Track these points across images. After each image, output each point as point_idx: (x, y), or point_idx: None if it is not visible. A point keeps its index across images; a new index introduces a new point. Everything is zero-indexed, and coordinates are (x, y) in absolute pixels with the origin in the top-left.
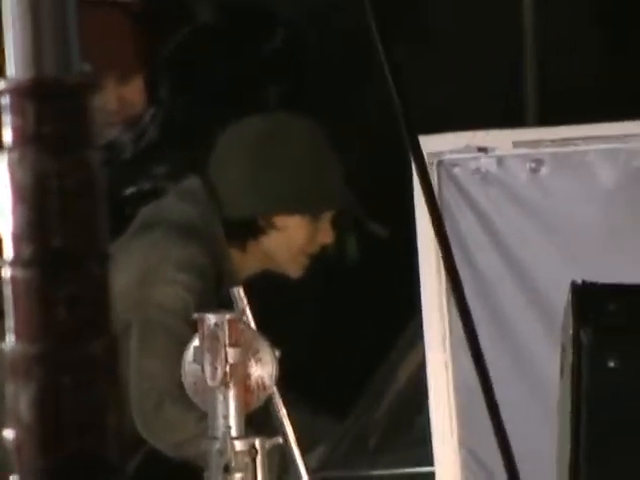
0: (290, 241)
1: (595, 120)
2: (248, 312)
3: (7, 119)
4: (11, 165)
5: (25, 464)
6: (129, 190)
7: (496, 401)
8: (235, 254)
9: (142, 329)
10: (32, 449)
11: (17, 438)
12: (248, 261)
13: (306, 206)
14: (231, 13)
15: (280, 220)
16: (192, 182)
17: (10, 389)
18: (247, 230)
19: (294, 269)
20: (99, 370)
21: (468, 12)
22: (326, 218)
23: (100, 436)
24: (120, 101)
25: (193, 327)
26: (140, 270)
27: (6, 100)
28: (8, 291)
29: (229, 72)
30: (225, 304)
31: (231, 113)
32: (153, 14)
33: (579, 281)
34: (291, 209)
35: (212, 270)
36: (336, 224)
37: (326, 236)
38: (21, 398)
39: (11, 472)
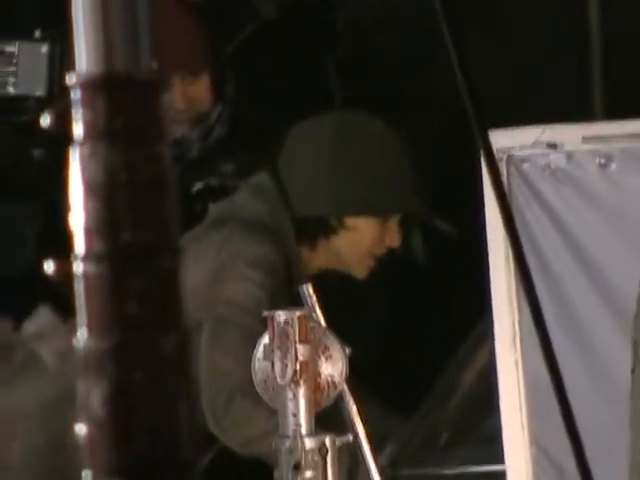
0: (359, 241)
1: None
2: (317, 309)
3: (77, 113)
4: (82, 159)
5: (97, 460)
6: (196, 187)
7: (568, 398)
8: (304, 252)
9: (214, 326)
10: (104, 445)
11: (89, 434)
12: (316, 259)
13: (377, 208)
14: (295, 10)
15: (351, 220)
16: (262, 178)
17: (82, 384)
18: (318, 229)
19: (360, 270)
20: (171, 365)
21: (534, 2)
22: (394, 220)
23: (172, 433)
24: (187, 99)
25: (264, 324)
26: (212, 267)
27: (77, 94)
28: (80, 286)
29: (295, 69)
30: (295, 302)
31: (297, 111)
32: (217, 11)
33: None
34: (362, 210)
35: (283, 267)
36: (403, 226)
37: (393, 239)
38: (93, 394)
39: (82, 468)
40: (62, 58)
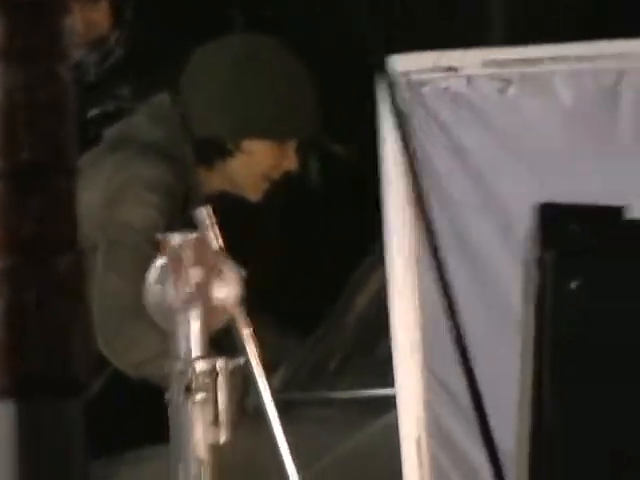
0: (255, 165)
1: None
2: (214, 232)
3: None
4: None
5: None
6: (93, 112)
7: (460, 323)
8: (201, 173)
9: (108, 247)
10: None
11: None
12: (212, 181)
13: (274, 132)
14: None
15: (247, 144)
16: (162, 99)
17: None
18: (214, 150)
19: (254, 193)
20: (65, 285)
21: None
22: (292, 145)
23: (65, 352)
24: (85, 23)
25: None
26: (108, 189)
27: None
28: None
29: None
30: (192, 226)
31: (195, 35)
32: None
33: (544, 202)
34: (259, 134)
35: (180, 190)
36: (300, 151)
37: (290, 163)
38: None
39: None
40: None
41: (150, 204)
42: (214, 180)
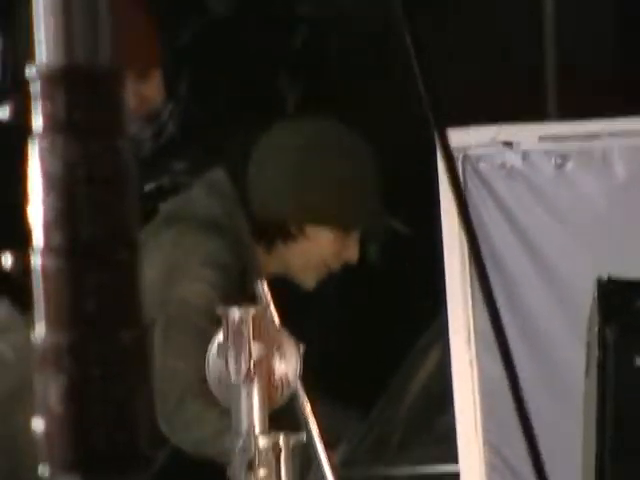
0: (316, 251)
1: (620, 114)
2: (272, 307)
3: (37, 106)
4: (41, 152)
5: (54, 455)
6: (148, 186)
7: (524, 399)
8: (259, 257)
9: (166, 325)
10: (61, 440)
11: (46, 429)
12: (268, 265)
13: (338, 219)
14: (247, 5)
15: (311, 230)
16: (218, 176)
17: (39, 379)
18: (277, 233)
19: (310, 280)
20: (129, 361)
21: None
22: (355, 236)
23: (129, 429)
24: (138, 98)
25: (218, 324)
26: (165, 265)
27: (36, 87)
28: (37, 281)
29: (247, 67)
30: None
31: (248, 109)
32: (168, 6)
33: (605, 277)
34: (323, 220)
35: (237, 266)
36: (363, 240)
37: (351, 254)
38: (51, 389)
39: (38, 463)
40: (14, 53)
41: (205, 279)
42: (271, 264)
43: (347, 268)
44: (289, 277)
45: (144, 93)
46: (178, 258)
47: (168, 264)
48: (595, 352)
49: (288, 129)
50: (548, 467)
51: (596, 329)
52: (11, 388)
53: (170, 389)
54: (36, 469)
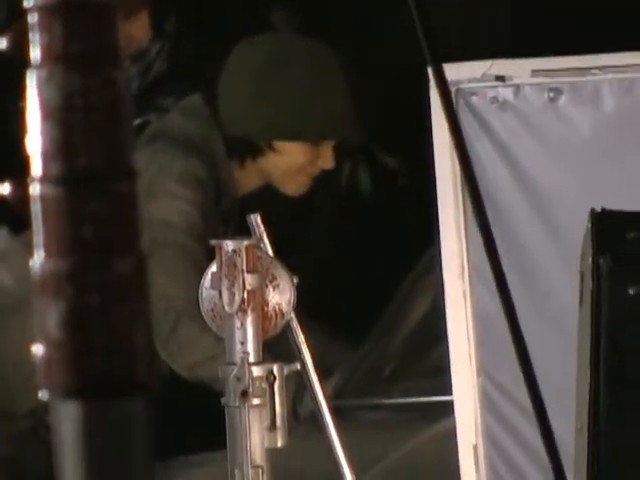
0: (288, 164)
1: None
2: (265, 239)
3: (35, 37)
4: (39, 83)
5: (54, 380)
6: (136, 122)
7: (519, 325)
8: (235, 173)
9: (150, 246)
10: (61, 366)
11: (46, 354)
12: (247, 177)
13: (307, 134)
14: None
15: (280, 144)
16: (194, 98)
17: (39, 305)
18: (246, 149)
19: (292, 188)
20: (128, 287)
21: None
22: (328, 145)
23: (129, 355)
24: (126, 37)
25: (201, 241)
26: (141, 183)
27: (34, 18)
28: (36, 209)
29: (234, 3)
30: (225, 219)
31: (236, 43)
32: None
33: (598, 209)
34: (291, 136)
35: (212, 182)
36: (338, 151)
37: (327, 162)
38: (50, 315)
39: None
40: None
41: (183, 198)
42: (248, 178)
43: (339, 200)
44: (272, 186)
45: (132, 32)
46: (154, 175)
47: (144, 179)
48: (589, 282)
49: (254, 44)
50: (543, 394)
51: (590, 259)
52: (1, 309)
53: (164, 312)
54: (21, 391)
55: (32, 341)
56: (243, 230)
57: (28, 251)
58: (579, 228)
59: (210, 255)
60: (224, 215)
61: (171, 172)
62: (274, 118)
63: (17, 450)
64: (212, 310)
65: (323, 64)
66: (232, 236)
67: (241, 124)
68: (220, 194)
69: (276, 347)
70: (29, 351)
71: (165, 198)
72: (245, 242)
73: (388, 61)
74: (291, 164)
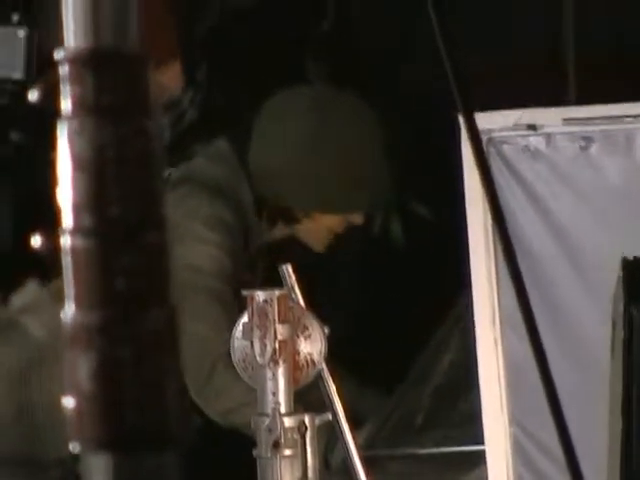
0: (321, 229)
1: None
2: (297, 289)
3: (66, 89)
4: (70, 135)
5: (84, 433)
6: (169, 173)
7: (551, 376)
8: (262, 225)
9: (182, 292)
10: (93, 419)
11: (77, 407)
12: (275, 232)
13: (342, 208)
14: None
15: (316, 214)
16: (220, 144)
17: (69, 357)
18: (280, 216)
19: (319, 245)
20: (159, 340)
21: None
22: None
23: (160, 408)
24: (157, 87)
25: (231, 285)
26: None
27: (65, 69)
28: (67, 260)
29: (267, 53)
30: (252, 266)
31: (269, 95)
32: None
33: (630, 257)
34: (327, 209)
35: (240, 226)
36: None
37: (356, 218)
38: (81, 368)
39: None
40: (39, 42)
41: (211, 242)
42: (276, 233)
43: (371, 250)
44: (300, 241)
45: (164, 82)
46: (180, 218)
47: (171, 224)
48: (620, 331)
49: (291, 99)
50: (575, 444)
51: (621, 308)
52: (31, 360)
53: (201, 357)
54: (51, 440)
55: (62, 391)
56: (270, 277)
57: (58, 302)
58: (611, 276)
59: (239, 299)
60: (251, 261)
61: (198, 216)
62: (315, 193)
63: None
64: (244, 361)
65: (363, 126)
66: (261, 285)
67: (276, 192)
68: (247, 240)
69: (307, 396)
70: (59, 401)
71: (193, 242)
72: (277, 292)
73: (419, 108)
74: (324, 228)
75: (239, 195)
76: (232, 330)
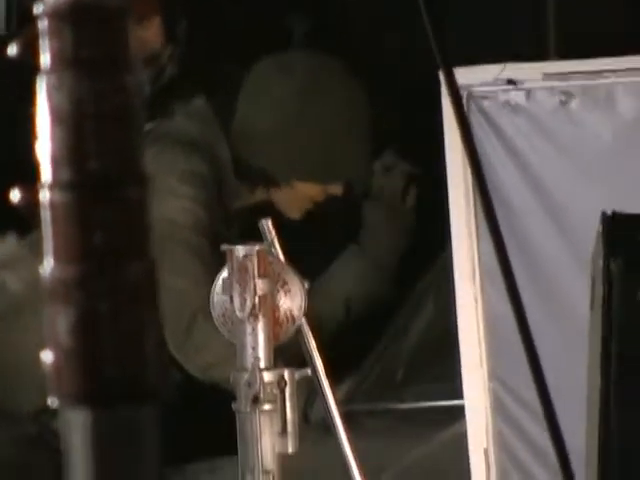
0: (300, 197)
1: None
2: (276, 244)
3: (45, 43)
4: (49, 89)
5: (63, 387)
6: (147, 126)
7: (530, 329)
8: (240, 188)
9: (159, 246)
10: (71, 373)
11: (56, 361)
12: (251, 197)
13: (322, 177)
14: None
15: (295, 182)
16: (198, 103)
17: (48, 312)
18: (261, 180)
19: (296, 213)
20: (138, 294)
21: None
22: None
23: (139, 362)
24: (138, 42)
25: (207, 237)
26: None
27: (44, 24)
28: (46, 215)
29: (248, 8)
30: (228, 219)
31: (252, 49)
32: None
33: (609, 212)
34: (312, 179)
35: (214, 179)
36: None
37: (336, 189)
38: (60, 322)
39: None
40: None
41: (185, 196)
42: (253, 197)
43: (353, 205)
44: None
45: (144, 37)
46: (157, 175)
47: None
48: (599, 286)
49: (279, 70)
50: (554, 398)
51: (600, 263)
52: (6, 313)
53: (180, 310)
54: (25, 394)
55: (36, 344)
56: (246, 237)
57: (36, 256)
58: (591, 231)
59: (217, 252)
60: (228, 219)
61: (173, 170)
62: (298, 160)
63: (23, 455)
64: (223, 315)
65: (351, 101)
66: (241, 241)
67: (259, 155)
68: (222, 194)
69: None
70: (33, 354)
71: (168, 196)
72: (256, 247)
73: (403, 64)
74: (303, 198)
75: (216, 152)
76: (211, 283)
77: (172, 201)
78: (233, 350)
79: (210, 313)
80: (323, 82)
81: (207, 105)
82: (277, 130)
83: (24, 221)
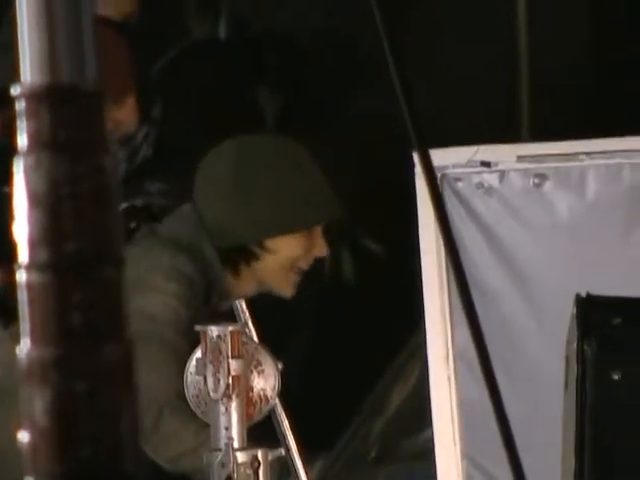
0: (284, 261)
1: (596, 134)
2: (250, 325)
3: (22, 124)
4: (26, 170)
5: (39, 468)
6: (122, 206)
7: (504, 410)
8: (229, 279)
9: (135, 340)
10: (47, 453)
11: (32, 441)
12: (240, 286)
13: (294, 224)
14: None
15: (272, 242)
16: (184, 207)
17: (25, 392)
18: (239, 256)
19: (286, 288)
20: (115, 375)
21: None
22: (318, 231)
23: (115, 443)
24: (113, 121)
25: (186, 337)
26: (130, 279)
27: (21, 105)
28: (23, 296)
29: (222, 91)
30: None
31: (225, 131)
32: (144, 31)
33: (583, 294)
34: (280, 231)
35: (202, 281)
36: (329, 237)
37: (321, 249)
38: (36, 402)
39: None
40: None
41: (168, 292)
42: (242, 285)
43: (323, 287)
44: (267, 291)
45: (119, 118)
46: (141, 272)
47: (133, 275)
48: (574, 367)
49: (216, 155)
50: (527, 478)
51: (575, 344)
52: None
53: (147, 405)
54: (10, 473)
55: (16, 430)
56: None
57: (16, 341)
58: (564, 311)
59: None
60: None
61: (159, 267)
62: (259, 219)
63: None
64: (197, 396)
65: (291, 156)
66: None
67: (228, 234)
68: (210, 295)
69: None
70: (13, 440)
71: (152, 292)
72: (230, 328)
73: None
74: (287, 259)
75: (202, 251)
76: (183, 379)
77: (155, 296)
78: (203, 439)
79: (178, 406)
80: (260, 147)
81: (192, 211)
82: (229, 206)
83: (7, 307)
